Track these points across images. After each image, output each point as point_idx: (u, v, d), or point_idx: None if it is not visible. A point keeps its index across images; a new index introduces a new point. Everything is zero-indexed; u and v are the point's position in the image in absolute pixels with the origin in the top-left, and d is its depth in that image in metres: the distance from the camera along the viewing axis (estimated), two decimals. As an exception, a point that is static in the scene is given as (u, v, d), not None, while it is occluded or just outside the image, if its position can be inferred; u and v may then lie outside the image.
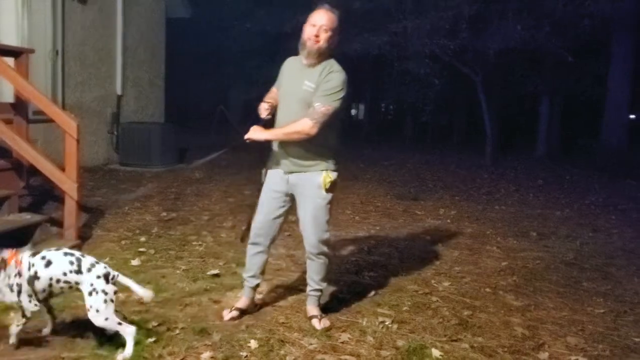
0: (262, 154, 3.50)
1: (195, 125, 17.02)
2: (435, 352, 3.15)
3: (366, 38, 12.88)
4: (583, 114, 17.70)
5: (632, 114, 16.90)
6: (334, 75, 3.23)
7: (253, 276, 3.59)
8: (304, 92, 3.25)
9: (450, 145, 17.79)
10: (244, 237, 3.66)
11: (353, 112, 34.23)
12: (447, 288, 4.32)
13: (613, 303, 4.22)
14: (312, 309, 3.56)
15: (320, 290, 3.59)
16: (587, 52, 13.75)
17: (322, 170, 3.32)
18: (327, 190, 3.32)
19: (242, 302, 3.61)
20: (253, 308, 3.64)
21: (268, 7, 16.22)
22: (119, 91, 9.75)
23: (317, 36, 3.20)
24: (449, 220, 6.87)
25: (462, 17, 11.79)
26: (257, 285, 3.65)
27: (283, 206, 3.47)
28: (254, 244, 3.54)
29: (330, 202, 3.38)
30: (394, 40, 12.70)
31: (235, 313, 3.54)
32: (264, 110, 3.42)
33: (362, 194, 8.35)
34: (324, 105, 3.18)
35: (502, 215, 7.37)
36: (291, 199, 3.46)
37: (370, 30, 12.93)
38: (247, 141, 3.31)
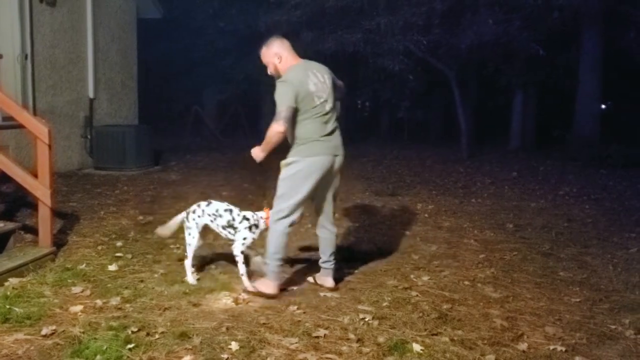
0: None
1: (170, 127, 16.88)
2: (416, 347, 3.17)
3: (340, 35, 12.88)
4: (556, 106, 17.92)
5: (603, 104, 17.20)
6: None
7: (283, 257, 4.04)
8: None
9: (426, 141, 17.87)
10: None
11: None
12: (426, 282, 4.35)
13: (589, 291, 4.29)
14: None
15: None
16: (558, 45, 13.94)
17: None
18: None
19: (277, 288, 3.95)
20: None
21: (240, 6, 16.09)
22: (91, 94, 9.62)
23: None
24: (426, 215, 6.92)
25: (435, 12, 11.88)
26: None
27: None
28: (290, 226, 3.99)
29: None
30: (368, 37, 12.73)
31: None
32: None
33: (340, 191, 8.32)
34: None
35: (479, 209, 7.45)
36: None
37: (344, 27, 12.94)
38: None
